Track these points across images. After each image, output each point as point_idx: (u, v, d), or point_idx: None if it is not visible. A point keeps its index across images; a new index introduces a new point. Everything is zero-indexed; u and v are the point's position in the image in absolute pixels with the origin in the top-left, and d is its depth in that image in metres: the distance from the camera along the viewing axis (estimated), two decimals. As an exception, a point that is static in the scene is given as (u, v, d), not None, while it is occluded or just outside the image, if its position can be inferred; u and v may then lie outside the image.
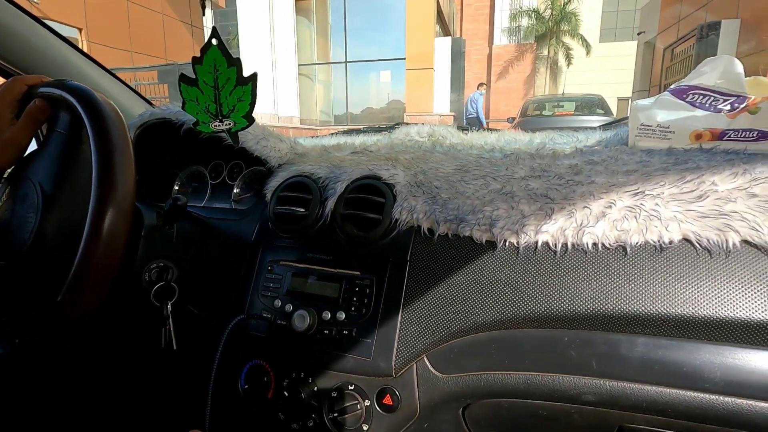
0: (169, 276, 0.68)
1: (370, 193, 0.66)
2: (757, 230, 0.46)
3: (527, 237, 0.54)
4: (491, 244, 0.57)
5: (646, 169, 0.58)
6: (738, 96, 0.66)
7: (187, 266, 0.72)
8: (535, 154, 0.70)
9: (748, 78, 0.68)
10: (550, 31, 21.05)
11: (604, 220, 0.52)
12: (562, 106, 7.11)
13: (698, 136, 0.66)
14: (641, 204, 0.51)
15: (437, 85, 7.25)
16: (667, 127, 0.69)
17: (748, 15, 6.58)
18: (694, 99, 0.69)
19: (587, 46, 20.57)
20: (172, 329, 0.67)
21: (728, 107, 0.65)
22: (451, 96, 7.40)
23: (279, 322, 0.66)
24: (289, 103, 7.19)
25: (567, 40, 21.05)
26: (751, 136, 0.62)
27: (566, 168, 0.62)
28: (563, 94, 7.47)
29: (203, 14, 9.88)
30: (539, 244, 0.54)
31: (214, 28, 0.67)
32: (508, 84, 22.23)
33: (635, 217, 0.51)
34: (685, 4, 8.55)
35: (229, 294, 0.73)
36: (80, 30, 8.52)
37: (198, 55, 0.67)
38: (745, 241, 0.47)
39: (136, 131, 0.90)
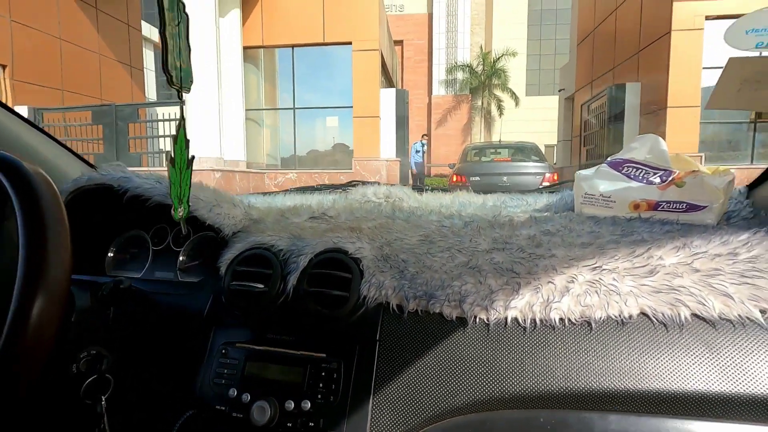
0: (102, 366, 0.59)
1: (335, 268, 0.63)
2: (704, 304, 0.50)
3: (497, 313, 0.54)
4: (462, 321, 0.56)
5: (598, 241, 0.62)
6: (665, 170, 0.76)
7: (124, 352, 0.63)
8: (494, 222, 0.72)
9: (671, 154, 0.78)
10: (482, 84, 22.98)
11: (568, 295, 0.53)
12: (500, 153, 7.45)
13: (636, 206, 0.75)
14: (600, 279, 0.54)
15: (383, 131, 7.56)
16: (609, 197, 0.77)
17: (645, 80, 7.70)
18: (629, 171, 0.78)
19: (516, 99, 22.63)
20: (107, 429, 0.58)
21: (658, 180, 0.75)
22: (397, 142, 7.74)
23: (235, 415, 0.59)
24: (236, 147, 7.09)
25: (498, 92, 23.07)
26: (680, 207, 0.71)
27: (526, 239, 0.64)
28: (500, 141, 7.88)
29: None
30: (509, 320, 0.54)
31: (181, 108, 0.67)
32: (447, 131, 23.68)
33: (596, 292, 0.53)
34: (595, 67, 9.82)
35: (176, 383, 0.65)
36: (4, 67, 7.96)
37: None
38: (695, 315, 0.50)
39: (68, 196, 0.81)
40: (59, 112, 8.23)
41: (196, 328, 0.68)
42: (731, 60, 0.77)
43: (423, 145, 9.88)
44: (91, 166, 1.02)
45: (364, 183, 1.29)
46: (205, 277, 0.75)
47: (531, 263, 0.58)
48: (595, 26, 9.79)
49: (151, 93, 15.46)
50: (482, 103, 23.39)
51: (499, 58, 22.30)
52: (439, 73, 24.21)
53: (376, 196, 1.03)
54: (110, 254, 0.88)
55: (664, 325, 0.51)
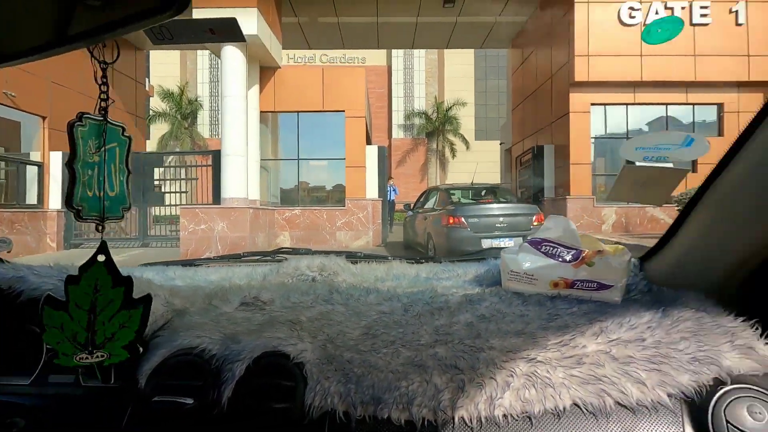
0: None
1: (276, 375, 0.59)
2: (624, 393, 0.55)
3: (444, 414, 0.55)
4: (410, 425, 0.56)
5: (529, 328, 0.67)
6: (576, 249, 0.84)
7: None
8: (432, 306, 0.76)
9: (580, 234, 0.87)
10: (437, 129, 26.08)
11: (509, 391, 0.56)
12: (481, 195, 7.64)
13: (556, 284, 0.82)
14: (535, 371, 0.58)
15: (368, 178, 9.80)
16: (532, 275, 0.84)
17: (557, 143, 10.69)
18: (547, 249, 0.86)
19: (466, 143, 25.77)
20: None
21: (570, 257, 0.83)
22: (378, 186, 10.00)
23: None
24: (254, 189, 9.04)
25: (450, 137, 26.21)
26: (592, 286, 0.79)
27: (465, 328, 0.68)
28: (472, 183, 8.22)
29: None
30: (456, 420, 0.55)
31: (103, 242, 0.57)
32: (406, 171, 26.62)
33: (533, 386, 0.56)
34: (525, 129, 12.83)
35: None
36: (44, 118, 9.40)
37: (75, 273, 0.55)
38: (618, 403, 0.55)
39: None
40: (91, 158, 9.68)
41: None
42: (625, 167, 0.93)
43: (390, 186, 12.31)
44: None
45: (294, 250, 1.29)
46: (122, 383, 0.63)
47: (472, 357, 0.60)
48: (523, 99, 12.95)
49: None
50: (437, 146, 26.41)
51: (450, 107, 25.56)
52: (398, 118, 27.29)
53: (310, 269, 1.01)
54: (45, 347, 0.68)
55: (594, 415, 0.54)
